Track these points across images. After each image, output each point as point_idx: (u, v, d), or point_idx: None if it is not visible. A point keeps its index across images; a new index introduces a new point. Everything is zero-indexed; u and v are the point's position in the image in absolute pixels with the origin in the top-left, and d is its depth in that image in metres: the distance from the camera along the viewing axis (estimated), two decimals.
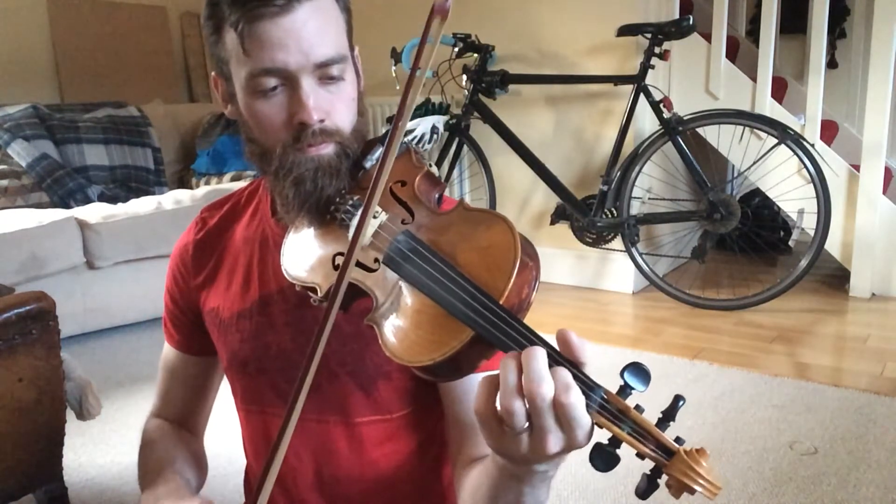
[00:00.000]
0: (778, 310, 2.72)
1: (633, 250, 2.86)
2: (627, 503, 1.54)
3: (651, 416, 0.55)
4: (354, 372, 0.82)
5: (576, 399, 0.52)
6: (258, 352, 0.86)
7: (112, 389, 2.23)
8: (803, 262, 2.62)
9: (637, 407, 0.55)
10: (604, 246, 2.98)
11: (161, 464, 0.90)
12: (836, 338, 2.50)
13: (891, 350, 2.32)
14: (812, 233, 2.63)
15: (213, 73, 0.81)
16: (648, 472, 0.55)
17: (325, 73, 0.72)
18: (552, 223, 3.03)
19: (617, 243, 2.93)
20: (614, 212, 2.89)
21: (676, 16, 2.95)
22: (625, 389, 0.55)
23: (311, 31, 0.70)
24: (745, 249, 3.36)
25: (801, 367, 2.22)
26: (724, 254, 3.57)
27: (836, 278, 3.04)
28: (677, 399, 0.55)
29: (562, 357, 0.55)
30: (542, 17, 3.11)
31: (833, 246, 2.87)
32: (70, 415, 1.40)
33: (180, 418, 1.02)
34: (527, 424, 0.54)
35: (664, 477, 0.54)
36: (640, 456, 0.54)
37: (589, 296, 3.08)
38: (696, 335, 2.54)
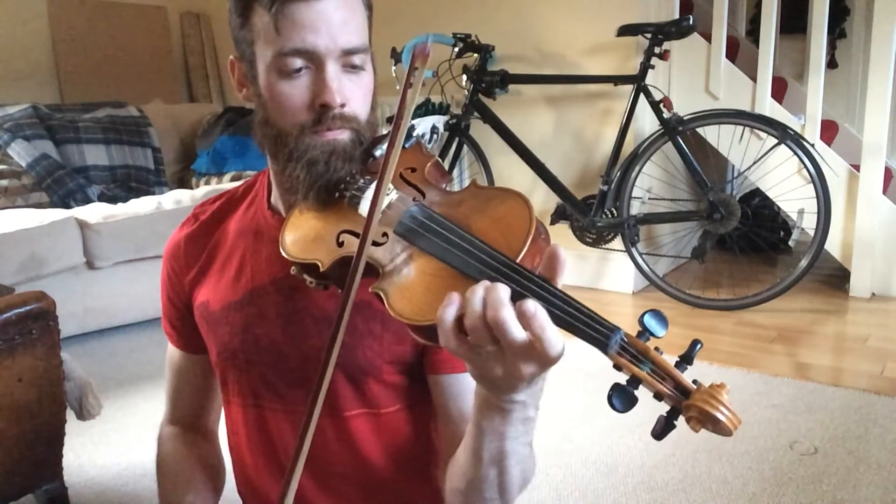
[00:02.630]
0: (778, 310, 2.72)
1: (633, 250, 2.86)
2: (627, 503, 1.54)
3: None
4: (344, 365, 0.82)
5: (545, 321, 0.54)
6: (248, 344, 0.86)
7: (112, 389, 2.23)
8: (803, 262, 2.62)
9: (656, 349, 0.55)
10: (604, 246, 2.98)
11: (178, 493, 0.93)
12: (836, 338, 2.50)
13: (891, 350, 2.32)
14: (812, 233, 2.63)
15: (231, 57, 0.83)
16: (665, 414, 0.56)
17: (348, 60, 0.75)
18: (552, 223, 3.03)
19: (617, 243, 2.93)
20: (614, 212, 2.89)
21: (676, 16, 2.95)
22: (643, 334, 0.56)
23: (340, 19, 0.73)
24: (745, 249, 3.36)
25: (801, 367, 2.22)
26: (724, 254, 3.57)
27: (836, 278, 3.04)
28: (695, 343, 0.56)
29: (571, 302, 0.56)
30: (542, 17, 3.11)
31: (833, 246, 2.87)
32: (70, 415, 1.40)
33: (192, 419, 1.03)
34: (492, 345, 0.56)
35: (681, 419, 0.55)
36: (658, 396, 0.55)
37: (589, 296, 3.07)
38: (696, 335, 2.53)
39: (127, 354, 2.56)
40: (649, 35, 2.68)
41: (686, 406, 0.54)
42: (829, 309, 2.76)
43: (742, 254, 3.39)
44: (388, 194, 0.71)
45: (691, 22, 2.61)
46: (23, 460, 1.30)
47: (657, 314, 0.56)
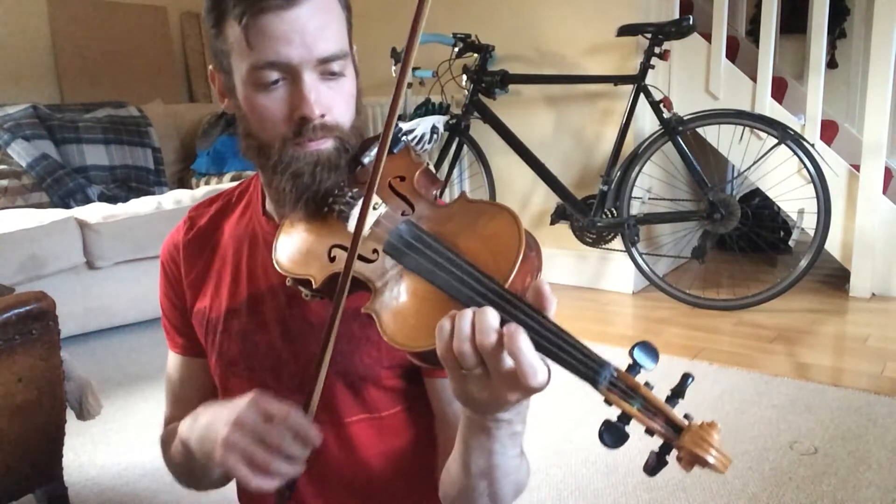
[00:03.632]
0: (778, 310, 2.72)
1: (633, 250, 2.86)
2: (627, 503, 1.54)
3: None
4: (343, 372, 0.82)
5: (524, 345, 0.54)
6: (247, 351, 0.86)
7: (112, 389, 2.23)
8: (803, 262, 2.62)
9: (647, 384, 0.55)
10: (604, 246, 2.98)
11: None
12: (836, 338, 2.50)
13: (891, 350, 2.32)
14: (812, 233, 2.63)
15: (210, 67, 0.80)
16: (657, 450, 0.55)
17: (326, 68, 0.73)
18: (552, 223, 3.03)
19: (617, 243, 2.93)
20: (614, 212, 2.89)
21: (676, 16, 2.95)
22: (634, 367, 0.55)
23: (314, 27, 0.71)
24: (745, 249, 3.36)
25: (801, 367, 2.22)
26: (724, 254, 3.57)
27: (836, 278, 3.04)
28: (686, 377, 0.55)
29: (560, 333, 0.56)
30: (542, 17, 3.11)
31: (833, 246, 2.87)
32: (70, 415, 1.40)
33: None
34: (479, 368, 0.56)
35: (673, 454, 0.54)
36: (650, 432, 0.55)
37: (589, 296, 3.08)
38: (696, 335, 2.54)
39: (127, 354, 2.56)
40: (649, 35, 2.68)
41: (677, 445, 0.54)
42: (829, 309, 2.76)
43: (742, 254, 3.39)
44: (376, 208, 0.70)
45: (691, 22, 2.62)
46: (23, 460, 1.30)
47: (647, 347, 0.55)
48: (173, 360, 1.00)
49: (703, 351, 2.38)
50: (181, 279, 0.93)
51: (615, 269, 3.11)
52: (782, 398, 1.99)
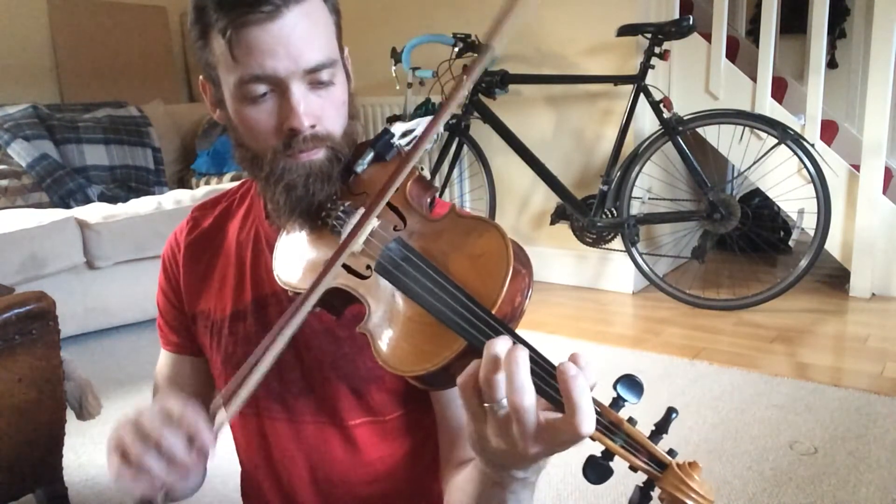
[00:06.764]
0: (778, 310, 2.72)
1: (633, 250, 2.86)
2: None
3: (645, 422, 0.55)
4: (347, 376, 0.82)
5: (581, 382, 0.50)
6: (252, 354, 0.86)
7: (112, 389, 2.23)
8: (803, 262, 2.62)
9: (630, 419, 0.54)
10: (604, 246, 2.98)
11: None
12: (836, 338, 2.50)
13: (891, 350, 2.32)
14: (812, 233, 2.63)
15: (200, 78, 0.80)
16: (641, 485, 0.55)
17: (314, 78, 0.71)
18: (552, 223, 3.03)
19: (617, 243, 2.93)
20: (614, 212, 2.89)
21: (676, 16, 2.95)
22: (618, 402, 0.54)
23: (300, 37, 0.69)
24: (745, 249, 3.36)
25: (801, 367, 2.22)
26: (724, 254, 3.57)
27: (836, 278, 3.04)
28: (670, 412, 0.55)
29: (546, 366, 0.54)
30: (542, 17, 3.11)
31: (833, 246, 2.87)
32: (70, 415, 1.40)
33: None
34: (505, 406, 0.52)
35: (657, 490, 0.54)
36: (633, 468, 0.54)
37: (589, 296, 3.07)
38: (696, 335, 2.54)
39: (127, 354, 2.56)
40: (649, 35, 2.68)
41: (660, 484, 0.53)
42: (829, 309, 2.76)
43: (742, 254, 3.39)
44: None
45: (691, 22, 2.61)
46: (23, 460, 1.30)
47: (631, 381, 0.54)
48: (165, 359, 0.99)
49: (703, 351, 2.38)
50: (179, 278, 0.93)
51: (615, 269, 3.11)
52: (782, 398, 1.99)
